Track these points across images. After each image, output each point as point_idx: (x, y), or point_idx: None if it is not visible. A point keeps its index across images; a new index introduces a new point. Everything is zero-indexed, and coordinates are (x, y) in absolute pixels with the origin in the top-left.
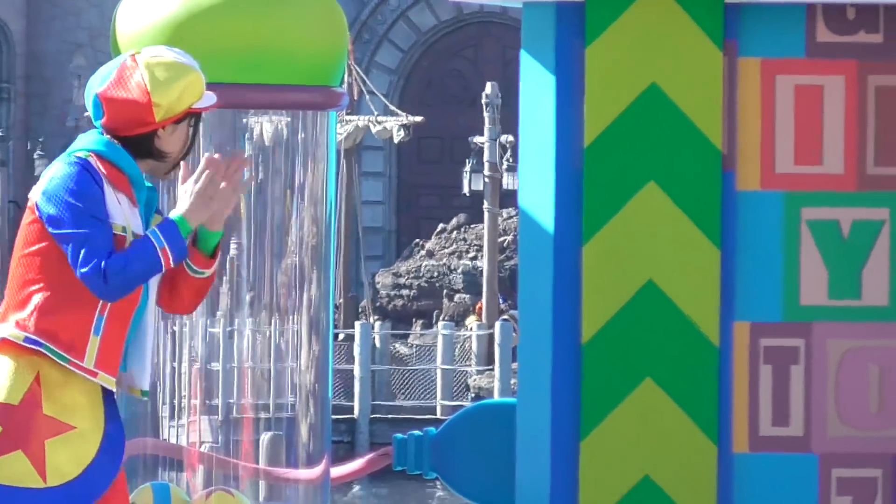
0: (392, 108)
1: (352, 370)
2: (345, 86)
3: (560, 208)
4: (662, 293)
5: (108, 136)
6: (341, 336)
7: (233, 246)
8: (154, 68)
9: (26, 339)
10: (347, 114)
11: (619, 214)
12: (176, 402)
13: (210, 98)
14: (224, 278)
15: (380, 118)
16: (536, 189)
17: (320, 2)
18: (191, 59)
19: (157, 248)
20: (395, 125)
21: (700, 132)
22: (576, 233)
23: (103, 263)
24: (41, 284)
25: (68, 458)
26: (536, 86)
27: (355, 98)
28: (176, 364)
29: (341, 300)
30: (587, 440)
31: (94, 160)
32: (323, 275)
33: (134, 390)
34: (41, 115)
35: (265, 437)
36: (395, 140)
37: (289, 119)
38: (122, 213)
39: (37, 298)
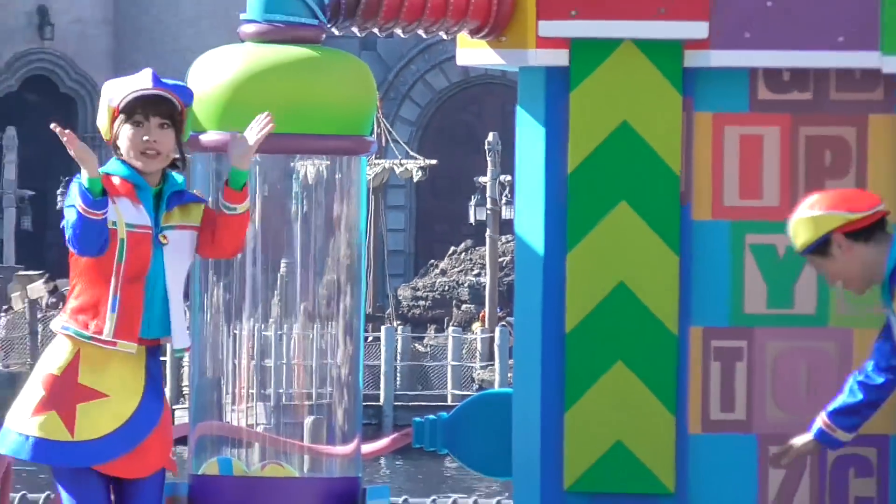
0: (412, 153)
1: (378, 365)
2: (374, 135)
3: (549, 223)
4: (631, 292)
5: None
6: (370, 338)
7: (283, 265)
8: None
9: (62, 327)
10: (376, 158)
11: (597, 228)
12: (237, 391)
13: (128, 86)
14: (275, 291)
15: (402, 161)
16: (530, 208)
17: (354, 67)
18: (118, 81)
19: (76, 208)
20: (414, 167)
21: (661, 160)
22: (561, 243)
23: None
24: (76, 280)
25: (96, 420)
26: (529, 133)
27: (383, 145)
28: (236, 361)
29: (370, 309)
30: (570, 411)
31: None
32: (355, 288)
33: (173, 351)
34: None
35: (308, 420)
36: (415, 179)
37: (328, 162)
38: (115, 211)
39: (74, 292)
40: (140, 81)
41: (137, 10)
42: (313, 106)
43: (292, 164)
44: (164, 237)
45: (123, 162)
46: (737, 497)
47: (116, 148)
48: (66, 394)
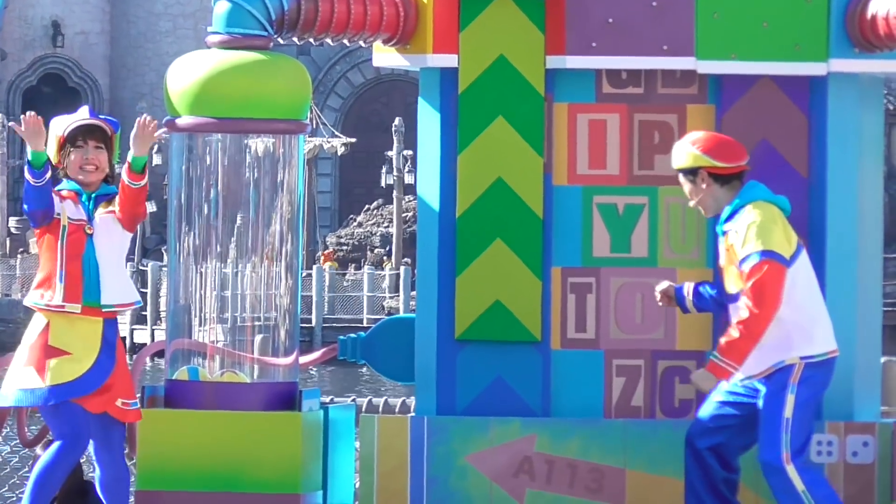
0: (337, 133)
1: (311, 296)
2: (308, 119)
3: (444, 135)
4: (507, 185)
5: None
6: (304, 274)
7: (239, 217)
8: None
9: (30, 301)
10: (310, 136)
11: (481, 135)
12: (202, 315)
13: (71, 120)
14: (233, 238)
15: (329, 139)
16: (431, 126)
17: (293, 67)
18: (62, 118)
19: (27, 180)
20: (338, 144)
21: (529, 83)
22: (453, 148)
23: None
24: (40, 262)
25: (62, 371)
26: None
27: (315, 127)
28: (202, 291)
29: (305, 252)
30: (460, 277)
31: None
32: (294, 236)
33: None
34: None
35: (258, 337)
36: (339, 153)
37: (274, 140)
38: (62, 208)
39: (39, 272)
40: (79, 116)
41: (127, 24)
42: (262, 97)
43: (246, 141)
44: (90, 228)
45: (71, 180)
46: (588, 392)
47: (64, 169)
48: (39, 354)
